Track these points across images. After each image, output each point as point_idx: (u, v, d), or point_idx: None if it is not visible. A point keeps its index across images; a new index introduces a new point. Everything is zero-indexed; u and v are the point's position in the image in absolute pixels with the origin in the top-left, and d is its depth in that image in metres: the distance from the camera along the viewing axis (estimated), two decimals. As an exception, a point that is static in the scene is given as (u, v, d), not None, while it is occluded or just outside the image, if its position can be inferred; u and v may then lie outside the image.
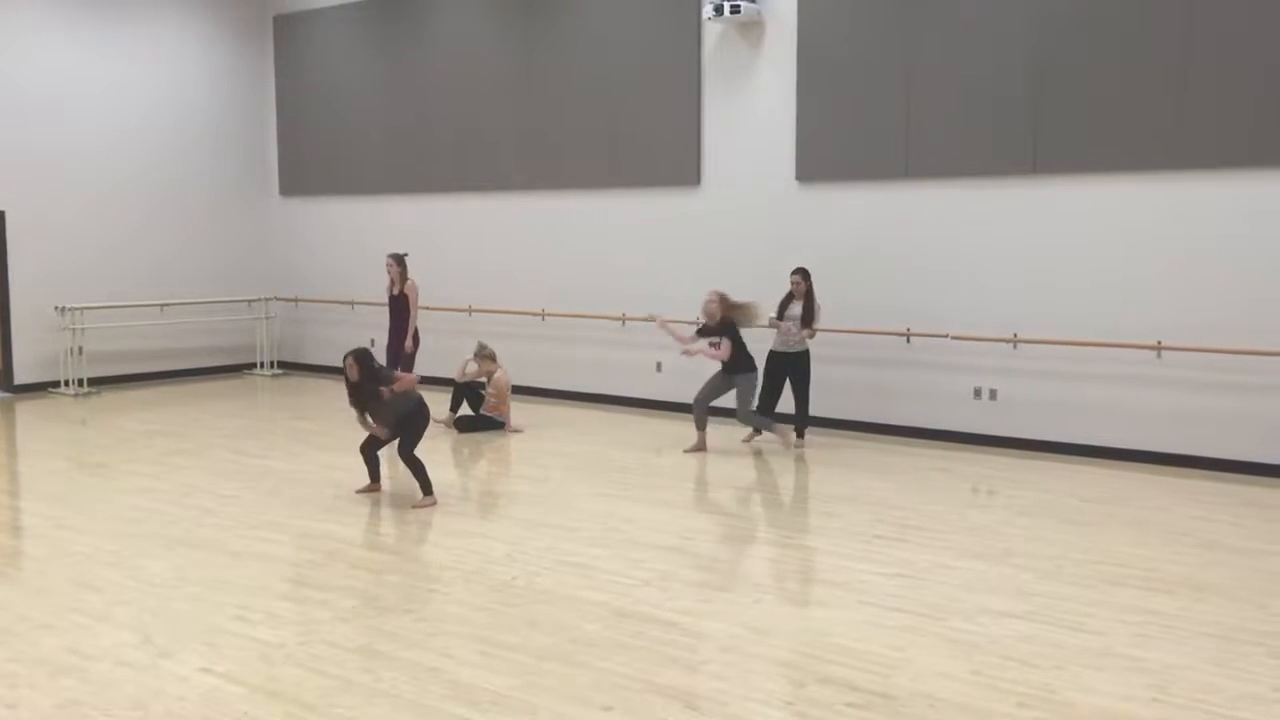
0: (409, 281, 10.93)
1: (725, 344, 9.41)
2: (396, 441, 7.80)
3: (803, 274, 9.67)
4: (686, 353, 9.64)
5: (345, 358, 7.67)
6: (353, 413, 7.88)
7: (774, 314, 9.73)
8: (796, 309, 9.66)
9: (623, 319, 11.77)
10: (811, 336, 9.68)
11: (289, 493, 8.09)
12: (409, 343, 10.92)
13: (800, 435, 9.82)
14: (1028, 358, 9.60)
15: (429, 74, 13.16)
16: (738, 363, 9.49)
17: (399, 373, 7.77)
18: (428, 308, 12.74)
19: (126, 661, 4.94)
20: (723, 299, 9.50)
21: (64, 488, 8.35)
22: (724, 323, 9.45)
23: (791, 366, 9.73)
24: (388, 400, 7.67)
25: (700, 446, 9.62)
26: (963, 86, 9.66)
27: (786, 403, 9.88)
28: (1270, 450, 8.60)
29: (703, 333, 9.61)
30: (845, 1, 10.24)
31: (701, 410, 9.67)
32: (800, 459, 9.39)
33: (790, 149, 10.61)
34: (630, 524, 7.38)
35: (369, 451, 8.00)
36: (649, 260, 11.52)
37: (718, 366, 9.68)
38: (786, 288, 9.80)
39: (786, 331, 9.67)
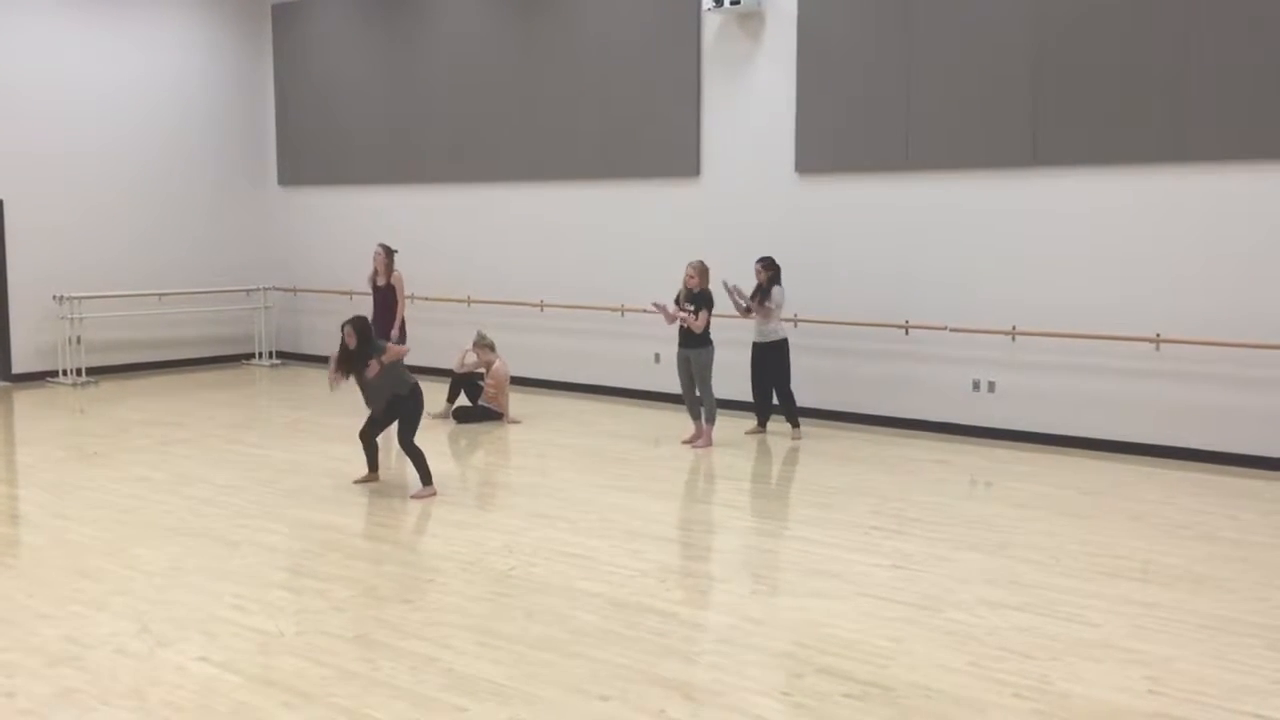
0: (395, 273, 10.96)
1: (703, 314, 9.34)
2: (396, 430, 7.81)
3: (761, 263, 9.72)
4: (668, 317, 9.53)
5: (344, 325, 7.68)
6: (338, 384, 7.82)
7: (745, 304, 9.77)
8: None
9: (621, 310, 11.75)
10: (748, 313, 9.67)
11: (286, 483, 8.09)
12: (395, 333, 10.93)
13: (794, 425, 9.81)
14: (1026, 350, 9.60)
15: (428, 64, 13.13)
16: (693, 335, 9.40)
17: (389, 345, 7.75)
18: (426, 298, 12.76)
19: (124, 650, 4.94)
20: (702, 271, 9.41)
21: (62, 477, 8.34)
22: (702, 293, 9.39)
23: (766, 356, 9.76)
24: (378, 378, 7.65)
25: (698, 435, 9.64)
26: (962, 78, 9.64)
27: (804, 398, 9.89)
28: (1269, 443, 8.60)
29: (679, 300, 9.53)
30: (845, -8, 10.23)
31: (692, 400, 9.68)
32: (798, 450, 9.39)
33: (790, 140, 10.59)
34: (628, 515, 7.37)
35: (368, 439, 7.99)
36: (648, 251, 11.50)
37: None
38: (785, 277, 9.81)
39: (755, 320, 9.74)
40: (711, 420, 9.53)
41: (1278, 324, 8.48)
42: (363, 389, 7.81)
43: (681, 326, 9.43)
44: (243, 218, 14.82)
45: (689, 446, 9.46)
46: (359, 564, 6.26)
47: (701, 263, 9.45)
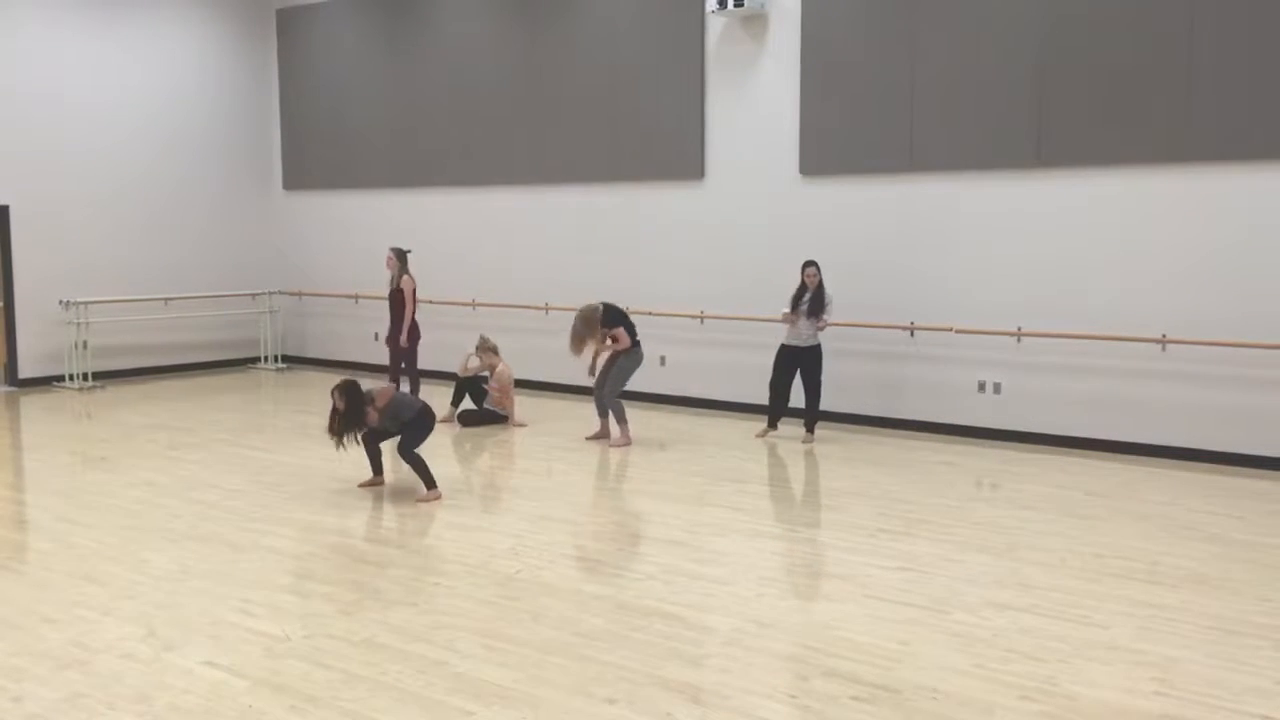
0: (405, 277, 10.96)
1: (620, 332, 9.51)
2: (398, 440, 7.83)
3: (815, 266, 9.56)
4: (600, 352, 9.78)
5: (332, 391, 7.68)
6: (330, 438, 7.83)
7: (787, 308, 9.65)
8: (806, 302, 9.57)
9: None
10: (823, 328, 9.61)
11: (293, 486, 8.10)
12: (403, 338, 10.95)
13: (810, 430, 9.77)
14: (1032, 351, 9.59)
15: (432, 68, 13.15)
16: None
17: (375, 389, 7.78)
18: (430, 301, 12.76)
19: (131, 655, 4.95)
20: (592, 321, 9.52)
21: (68, 481, 8.36)
22: (607, 321, 9.53)
23: (803, 361, 9.68)
24: (383, 414, 7.69)
25: (604, 434, 9.79)
26: (966, 79, 9.64)
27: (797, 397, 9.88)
28: (1275, 443, 8.59)
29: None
30: (849, -6, 10.22)
31: (601, 397, 9.80)
32: (805, 453, 9.38)
33: (794, 142, 10.59)
34: (634, 517, 7.38)
35: (371, 444, 8.00)
36: (652, 254, 11.51)
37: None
38: (790, 280, 9.76)
39: (799, 325, 9.57)
40: (621, 419, 9.65)
41: (1284, 324, 8.48)
42: (374, 432, 7.86)
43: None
44: (248, 222, 14.84)
45: (602, 444, 9.58)
46: (365, 567, 6.26)
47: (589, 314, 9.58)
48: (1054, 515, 7.33)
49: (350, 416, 7.61)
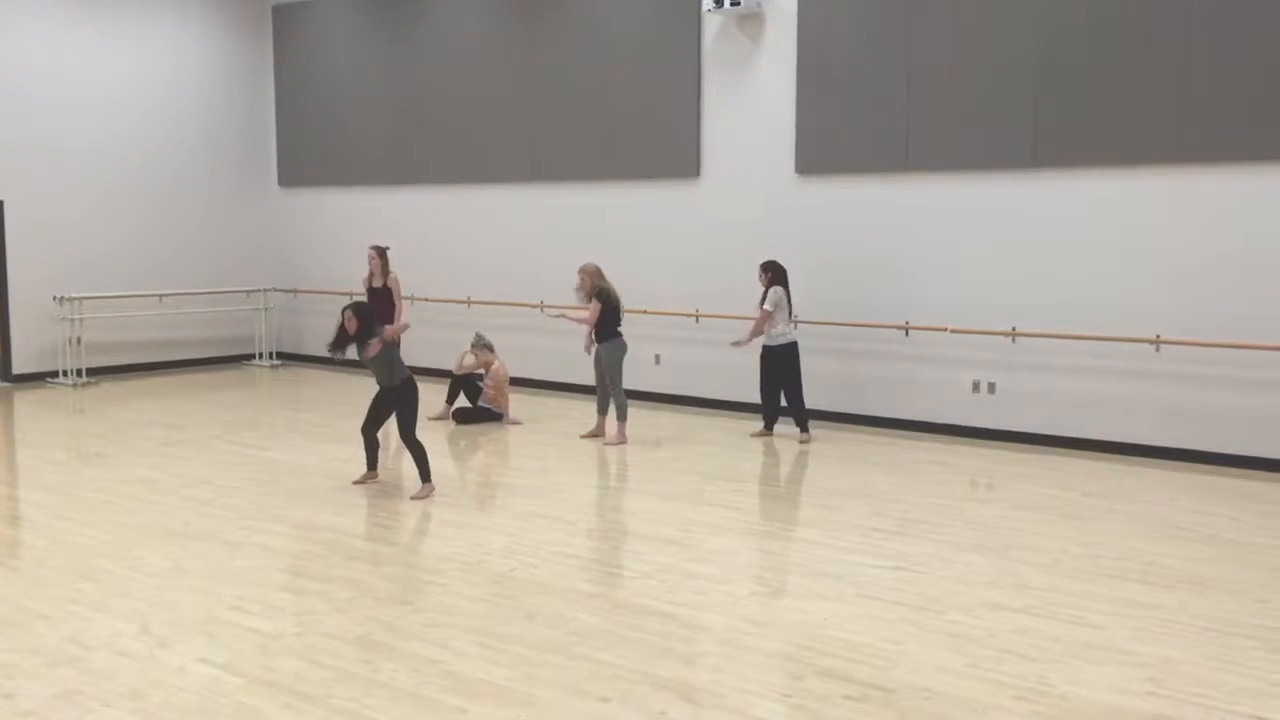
0: (391, 274, 10.96)
1: (594, 305, 9.52)
2: (396, 425, 7.82)
3: (762, 268, 9.72)
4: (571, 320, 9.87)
5: (344, 310, 7.76)
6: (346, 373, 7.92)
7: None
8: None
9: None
10: (759, 333, 9.67)
11: (287, 484, 8.09)
12: (394, 332, 10.93)
13: (803, 429, 9.77)
14: (1027, 351, 9.60)
15: (428, 65, 13.14)
16: (601, 329, 9.60)
17: (387, 327, 7.87)
18: (426, 299, 12.75)
19: (125, 652, 4.94)
20: (594, 274, 9.62)
21: (62, 478, 8.34)
22: (593, 291, 9.57)
23: (774, 359, 9.73)
24: (379, 356, 7.71)
25: (598, 432, 9.80)
26: (963, 79, 9.65)
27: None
28: (1269, 444, 8.61)
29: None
30: (846, -6, 10.23)
31: (601, 395, 9.79)
32: (800, 453, 9.39)
33: (790, 141, 10.59)
34: (628, 516, 7.37)
35: (369, 434, 7.98)
36: (648, 252, 11.51)
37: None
38: (790, 281, 9.79)
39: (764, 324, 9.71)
40: (622, 416, 9.63)
41: (1278, 325, 8.49)
42: (367, 427, 7.91)
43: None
44: (243, 219, 14.82)
45: (598, 442, 9.57)
46: (359, 565, 6.26)
47: (593, 266, 9.69)
48: (1048, 515, 7.34)
49: (360, 337, 7.68)
